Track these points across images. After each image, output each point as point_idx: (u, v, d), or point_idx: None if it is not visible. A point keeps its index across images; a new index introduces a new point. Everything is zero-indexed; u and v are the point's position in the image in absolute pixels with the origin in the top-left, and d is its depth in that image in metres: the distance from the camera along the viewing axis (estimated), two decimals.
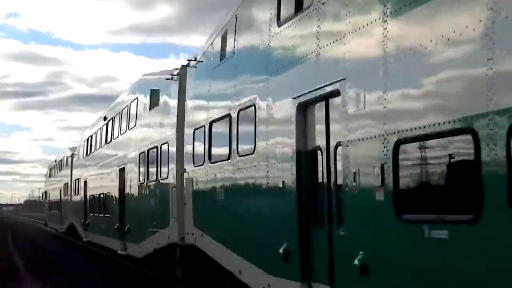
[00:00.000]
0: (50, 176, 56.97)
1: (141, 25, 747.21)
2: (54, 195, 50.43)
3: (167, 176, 16.65)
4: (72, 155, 39.34)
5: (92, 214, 30.12)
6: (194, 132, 14.43)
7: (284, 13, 9.98)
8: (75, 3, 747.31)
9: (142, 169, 19.53)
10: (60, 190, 45.43)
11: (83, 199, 32.95)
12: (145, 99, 19.83)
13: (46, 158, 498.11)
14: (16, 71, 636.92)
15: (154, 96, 18.58)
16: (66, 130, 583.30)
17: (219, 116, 12.77)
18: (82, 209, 32.86)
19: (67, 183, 41.56)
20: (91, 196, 30.12)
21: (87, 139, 32.42)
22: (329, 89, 8.29)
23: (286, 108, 9.56)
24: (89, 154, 31.44)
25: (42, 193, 61.70)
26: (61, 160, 46.76)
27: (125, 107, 22.92)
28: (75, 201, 36.73)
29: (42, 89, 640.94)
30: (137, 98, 20.95)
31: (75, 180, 36.35)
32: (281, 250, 9.36)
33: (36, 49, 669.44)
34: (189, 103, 15.16)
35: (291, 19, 9.65)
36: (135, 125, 20.86)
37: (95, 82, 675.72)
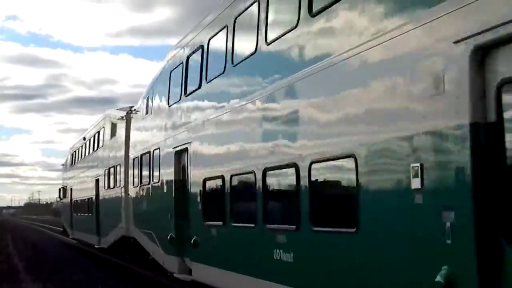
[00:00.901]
0: (72, 164, 39.34)
1: (140, 27, 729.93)
2: (82, 191, 32.80)
3: None
4: (129, 114, 21.94)
5: (221, 224, 12.89)
6: None
7: None
8: (74, 6, 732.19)
9: None
10: (97, 180, 27.99)
11: (172, 192, 15.75)
12: None
13: (45, 160, 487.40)
14: (16, 74, 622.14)
15: None
16: (65, 133, 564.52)
17: None
18: (165, 213, 15.78)
19: (112, 168, 24.30)
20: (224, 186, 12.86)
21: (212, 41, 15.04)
22: None
23: None
24: (197, 90, 14.13)
25: (60, 190, 43.86)
26: (98, 133, 29.30)
27: None
28: (139, 197, 19.49)
29: (42, 92, 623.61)
30: None
31: (140, 157, 19.12)
32: None
33: (35, 51, 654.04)
34: None
35: None
36: None
37: (95, 85, 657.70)
